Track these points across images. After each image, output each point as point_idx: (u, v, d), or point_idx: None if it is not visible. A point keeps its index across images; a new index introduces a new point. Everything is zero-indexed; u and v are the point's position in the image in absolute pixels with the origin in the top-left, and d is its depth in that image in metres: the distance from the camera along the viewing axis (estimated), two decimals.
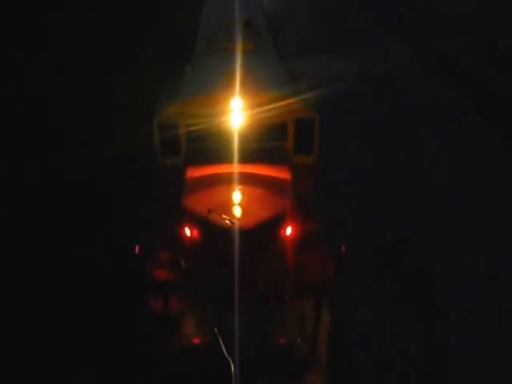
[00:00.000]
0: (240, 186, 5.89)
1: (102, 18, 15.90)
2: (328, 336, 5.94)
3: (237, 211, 5.66)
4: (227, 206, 5.70)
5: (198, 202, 5.80)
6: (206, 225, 5.66)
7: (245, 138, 6.25)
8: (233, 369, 5.10)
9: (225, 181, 6.00)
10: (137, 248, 5.86)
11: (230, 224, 5.47)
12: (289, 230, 5.98)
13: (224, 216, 5.50)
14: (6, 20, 14.58)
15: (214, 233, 5.61)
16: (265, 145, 6.44)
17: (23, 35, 14.67)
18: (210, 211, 5.57)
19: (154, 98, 6.93)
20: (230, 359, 5.11)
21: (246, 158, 6.18)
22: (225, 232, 5.50)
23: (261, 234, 5.66)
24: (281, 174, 6.25)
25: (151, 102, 6.83)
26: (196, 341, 5.63)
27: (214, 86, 6.47)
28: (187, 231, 5.86)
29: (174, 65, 7.84)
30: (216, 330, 5.33)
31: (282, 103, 6.33)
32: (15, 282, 7.78)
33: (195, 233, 5.80)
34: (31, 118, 12.34)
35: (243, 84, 6.24)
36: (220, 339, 5.25)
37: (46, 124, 12.07)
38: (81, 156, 10.67)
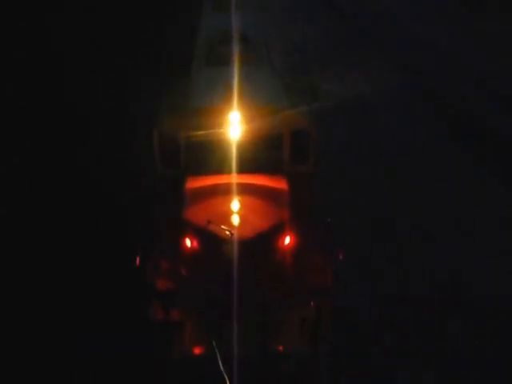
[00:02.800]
0: (239, 197, 6.01)
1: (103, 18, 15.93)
2: (329, 342, 6.04)
3: (235, 222, 5.78)
4: (226, 217, 5.82)
5: (197, 213, 5.93)
6: (205, 236, 5.79)
7: (243, 149, 6.37)
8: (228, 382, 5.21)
9: (223, 191, 6.12)
10: (137, 259, 5.98)
11: (228, 235, 5.59)
12: (287, 240, 6.11)
13: (223, 227, 5.63)
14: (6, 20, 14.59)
15: (214, 244, 5.74)
16: (262, 155, 6.56)
17: (23, 35, 14.70)
18: (209, 222, 5.70)
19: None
20: (225, 374, 5.21)
21: (244, 169, 6.31)
22: (224, 243, 5.62)
23: (259, 244, 5.78)
24: (278, 184, 6.38)
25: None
26: (197, 350, 5.72)
27: (212, 98, 6.61)
28: (187, 242, 5.99)
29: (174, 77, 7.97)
30: (214, 342, 5.41)
31: (279, 115, 6.47)
32: (17, 287, 7.85)
33: (195, 244, 5.93)
34: (32, 118, 12.40)
35: (241, 97, 6.36)
36: (217, 351, 5.34)
37: (45, 126, 12.13)
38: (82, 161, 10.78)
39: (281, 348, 5.83)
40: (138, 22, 16.38)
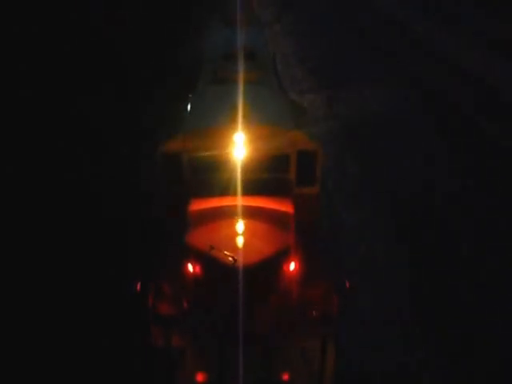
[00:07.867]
0: (242, 220, 5.87)
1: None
2: (333, 372, 5.86)
3: (239, 247, 5.64)
4: (230, 242, 5.67)
5: (200, 237, 5.79)
6: (208, 261, 5.64)
7: (247, 171, 6.24)
8: None
9: (227, 214, 5.98)
10: (138, 285, 5.87)
11: (232, 261, 5.45)
12: (292, 266, 5.95)
13: (226, 252, 5.48)
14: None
15: (217, 269, 5.59)
16: (267, 177, 6.42)
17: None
18: (212, 247, 5.56)
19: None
20: None
21: (248, 191, 6.16)
22: (227, 269, 5.47)
23: (263, 270, 5.63)
24: (283, 207, 6.20)
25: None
26: (198, 378, 5.58)
27: (216, 117, 6.48)
28: (190, 267, 5.86)
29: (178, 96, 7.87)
30: (216, 369, 5.29)
31: (284, 135, 6.32)
32: (17, 310, 7.70)
33: (197, 269, 5.80)
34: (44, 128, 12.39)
35: (246, 116, 6.24)
36: (219, 378, 5.21)
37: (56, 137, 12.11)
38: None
39: (283, 376, 5.69)
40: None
